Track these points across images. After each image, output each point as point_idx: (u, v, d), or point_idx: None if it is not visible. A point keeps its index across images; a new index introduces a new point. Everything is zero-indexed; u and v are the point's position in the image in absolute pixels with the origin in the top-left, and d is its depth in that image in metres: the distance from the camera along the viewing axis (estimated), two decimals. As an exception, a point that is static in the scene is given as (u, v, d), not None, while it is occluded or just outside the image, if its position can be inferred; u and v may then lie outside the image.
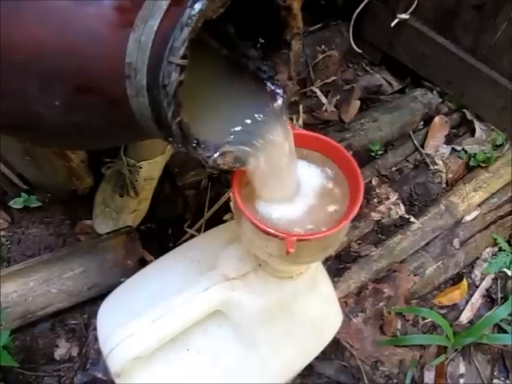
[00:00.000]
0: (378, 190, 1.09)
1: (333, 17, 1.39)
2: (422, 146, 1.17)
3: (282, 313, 0.50)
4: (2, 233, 0.92)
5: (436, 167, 1.13)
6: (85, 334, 0.87)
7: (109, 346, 0.44)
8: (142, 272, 0.57)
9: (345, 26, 1.34)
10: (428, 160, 1.14)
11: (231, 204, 0.98)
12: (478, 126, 1.19)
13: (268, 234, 0.38)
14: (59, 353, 0.85)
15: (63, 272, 0.86)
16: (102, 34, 0.29)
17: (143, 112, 0.31)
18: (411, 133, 1.19)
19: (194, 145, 0.32)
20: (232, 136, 0.36)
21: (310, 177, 0.44)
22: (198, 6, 0.27)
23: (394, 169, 1.14)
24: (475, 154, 1.13)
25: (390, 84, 1.32)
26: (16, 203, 0.91)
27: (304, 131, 0.45)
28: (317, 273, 0.54)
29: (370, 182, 1.11)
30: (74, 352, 0.86)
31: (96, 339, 0.87)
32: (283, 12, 0.34)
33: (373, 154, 1.14)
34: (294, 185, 0.42)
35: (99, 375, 0.84)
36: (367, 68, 1.35)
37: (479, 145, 1.15)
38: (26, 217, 0.94)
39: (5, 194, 0.94)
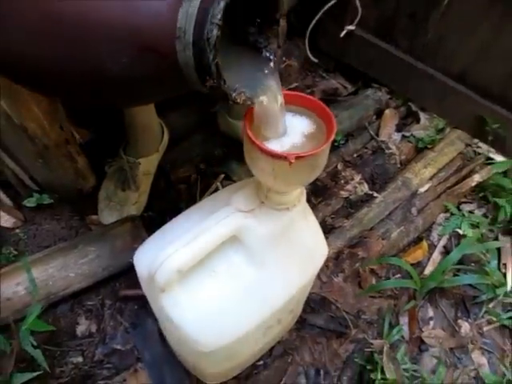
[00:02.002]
0: (343, 173, 1.26)
1: (289, 34, 1.58)
2: (377, 135, 1.36)
3: (283, 238, 0.64)
4: (18, 230, 1.01)
5: (390, 151, 1.32)
6: (101, 313, 0.97)
7: (155, 265, 0.56)
8: (166, 225, 0.69)
9: (301, 40, 1.53)
10: (383, 146, 1.33)
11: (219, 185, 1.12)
12: (422, 115, 1.39)
13: (274, 155, 0.52)
14: (80, 329, 0.95)
15: (79, 258, 0.97)
16: (160, 10, 0.44)
17: (188, 62, 0.45)
18: (367, 124, 1.38)
19: (222, 82, 0.46)
20: (244, 83, 0.51)
21: (296, 122, 0.59)
22: (229, -12, 0.42)
23: (355, 155, 1.31)
24: (422, 137, 1.33)
25: (345, 87, 1.51)
26: (30, 202, 1.02)
27: (290, 91, 0.60)
28: (306, 207, 0.69)
29: (336, 166, 1.28)
30: (93, 328, 0.95)
31: (111, 316, 0.97)
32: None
33: (336, 144, 1.32)
34: (284, 125, 0.57)
35: (118, 347, 0.94)
36: (324, 74, 1.54)
37: (425, 130, 1.35)
38: (38, 215, 1.04)
39: (16, 196, 1.05)
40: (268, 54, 0.55)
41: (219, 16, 0.42)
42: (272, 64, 0.55)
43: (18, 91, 0.77)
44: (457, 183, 1.26)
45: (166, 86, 0.51)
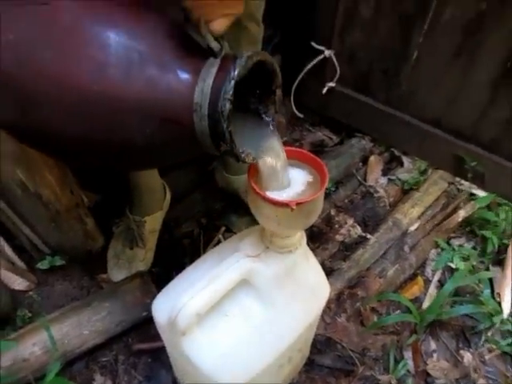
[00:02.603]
0: (337, 218, 1.34)
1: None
2: (365, 180, 1.44)
3: (288, 278, 0.70)
4: (31, 292, 1.06)
5: (379, 194, 1.40)
6: (115, 368, 1.00)
7: (175, 311, 0.62)
8: (179, 276, 0.75)
9: (287, 98, 1.65)
10: (372, 190, 1.41)
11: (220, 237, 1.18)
12: (404, 159, 1.49)
13: (278, 203, 0.59)
14: (96, 386, 0.97)
15: (92, 315, 1.01)
16: (179, 89, 0.52)
17: (203, 131, 0.53)
18: (354, 171, 1.47)
19: (234, 146, 0.54)
20: (250, 145, 0.59)
21: (296, 176, 0.67)
22: (237, 69, 0.51)
23: (346, 200, 1.39)
24: (407, 180, 1.42)
25: (331, 138, 1.62)
26: (43, 265, 1.07)
27: (291, 148, 0.69)
28: (307, 249, 0.75)
29: (330, 212, 1.35)
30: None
31: (125, 371, 1.00)
32: (271, 73, 0.59)
33: (327, 192, 1.40)
34: (287, 179, 0.64)
35: (133, 401, 0.97)
36: (310, 128, 1.64)
37: (409, 173, 1.45)
38: (50, 276, 1.09)
39: (30, 259, 1.10)
40: (268, 119, 0.64)
41: (231, 92, 0.50)
42: (272, 127, 0.64)
43: (33, 160, 0.85)
44: (444, 220, 1.34)
45: (183, 151, 0.58)
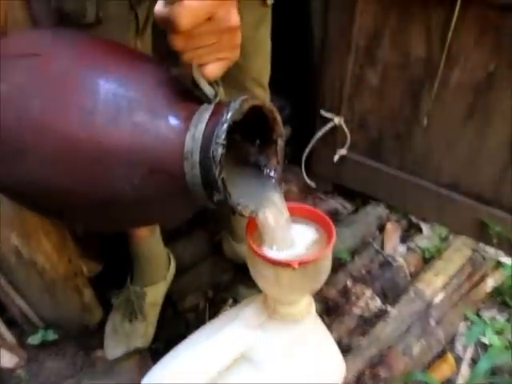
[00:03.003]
0: (354, 290, 1.24)
1: (285, 162, 1.68)
2: (383, 249, 1.36)
3: (294, 353, 0.61)
4: (20, 370, 0.97)
5: (398, 264, 1.31)
6: None
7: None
8: (175, 349, 0.67)
9: (298, 167, 1.62)
10: (390, 259, 1.33)
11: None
12: (423, 225, 1.41)
13: (277, 262, 0.53)
14: None
15: (84, 398, 0.91)
16: (169, 136, 0.48)
17: (195, 180, 0.48)
18: (371, 240, 1.40)
19: (228, 195, 0.49)
20: (249, 198, 0.54)
21: (300, 233, 0.61)
22: (230, 112, 0.47)
23: (363, 271, 1.31)
24: (427, 247, 1.34)
25: (344, 206, 1.56)
26: (34, 339, 0.99)
27: (290, 203, 0.63)
28: (317, 320, 0.67)
29: (346, 284, 1.26)
30: None
31: None
32: (271, 122, 0.55)
33: (343, 261, 1.32)
34: (289, 236, 0.58)
35: None
36: (322, 197, 1.60)
37: (429, 240, 1.36)
38: (42, 352, 1.00)
39: (21, 333, 1.02)
40: (269, 171, 0.59)
41: (223, 136, 0.46)
42: (273, 180, 0.59)
43: (29, 224, 0.81)
44: (471, 290, 1.23)
45: (174, 204, 0.53)
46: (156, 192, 0.51)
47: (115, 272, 1.09)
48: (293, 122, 1.67)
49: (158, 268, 1.09)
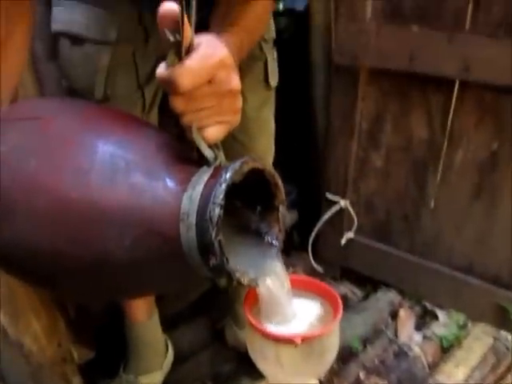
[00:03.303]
0: (367, 382, 1.14)
1: (292, 247, 1.65)
2: (397, 337, 1.28)
3: None
4: None
5: (414, 353, 1.22)
6: None
7: None
8: None
9: (304, 252, 1.58)
10: (405, 348, 1.23)
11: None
12: (439, 312, 1.33)
13: (278, 338, 0.48)
14: None
15: None
16: (166, 198, 0.47)
17: (190, 243, 0.46)
18: (383, 327, 1.31)
19: (225, 260, 0.46)
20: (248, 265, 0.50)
21: (304, 307, 0.57)
22: (229, 172, 0.45)
23: (376, 361, 1.21)
24: (445, 335, 1.25)
25: (354, 292, 1.50)
26: None
27: (294, 275, 0.60)
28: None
29: (358, 376, 1.16)
30: None
31: None
32: (273, 187, 0.54)
33: (354, 351, 1.23)
34: (291, 310, 0.54)
35: None
36: (331, 282, 1.54)
37: (446, 327, 1.28)
38: None
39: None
40: (270, 239, 0.57)
41: (221, 197, 0.44)
42: (275, 248, 0.56)
43: (19, 302, 0.77)
44: (497, 382, 1.13)
45: (168, 270, 0.50)
46: (149, 256, 0.48)
47: (108, 359, 1.02)
48: (299, 207, 1.66)
49: (155, 355, 1.01)
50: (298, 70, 1.44)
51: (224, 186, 0.45)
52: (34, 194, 0.48)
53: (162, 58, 0.80)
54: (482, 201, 1.16)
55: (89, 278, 0.52)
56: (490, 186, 1.14)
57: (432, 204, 1.26)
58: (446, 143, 1.18)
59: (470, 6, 1.06)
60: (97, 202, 0.46)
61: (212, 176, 0.48)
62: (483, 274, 1.22)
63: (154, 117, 0.87)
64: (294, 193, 1.72)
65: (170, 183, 0.48)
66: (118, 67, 0.79)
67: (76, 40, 0.77)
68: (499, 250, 1.17)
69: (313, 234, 1.51)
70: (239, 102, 0.50)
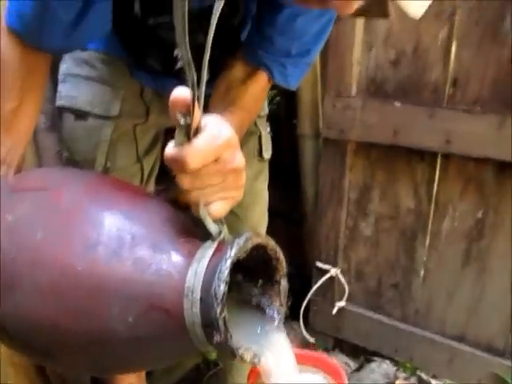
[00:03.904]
0: None
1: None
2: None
3: None
4: None
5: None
6: None
7: None
8: None
9: (295, 322, 1.55)
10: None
11: None
12: (434, 382, 1.30)
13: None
14: None
15: None
16: (170, 271, 0.47)
17: (194, 319, 0.45)
18: (380, 401, 1.27)
19: (229, 337, 0.45)
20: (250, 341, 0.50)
21: (308, 382, 0.56)
22: (234, 248, 0.46)
23: None
24: (443, 409, 1.21)
25: (347, 364, 1.46)
26: None
27: (301, 350, 0.59)
28: None
29: None
30: None
31: None
32: (274, 261, 0.55)
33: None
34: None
35: None
36: (323, 352, 1.50)
37: (443, 400, 1.25)
38: None
39: None
40: (272, 313, 0.57)
41: (226, 273, 0.45)
42: (277, 322, 0.56)
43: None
44: None
45: (169, 346, 0.49)
46: (152, 332, 0.47)
47: None
48: (289, 276, 1.65)
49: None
50: (287, 140, 1.49)
51: (229, 262, 0.46)
52: (38, 266, 0.48)
53: (159, 131, 0.82)
54: (472, 268, 1.18)
55: (88, 354, 0.50)
56: (478, 253, 1.16)
57: (422, 272, 1.27)
58: (432, 212, 1.21)
59: (448, 85, 1.14)
60: (102, 276, 0.47)
61: (216, 251, 0.49)
62: (476, 342, 1.21)
63: (151, 187, 0.89)
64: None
65: (174, 257, 0.48)
66: (119, 140, 0.81)
67: (80, 115, 0.81)
68: (491, 318, 1.17)
69: (304, 304, 1.50)
70: (243, 179, 0.52)
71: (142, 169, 0.84)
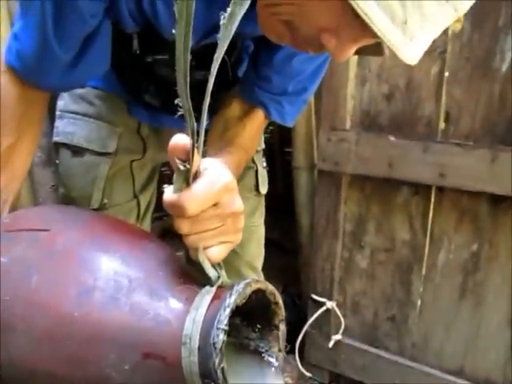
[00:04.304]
0: None
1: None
2: None
3: None
4: None
5: None
6: None
7: None
8: None
9: (291, 356, 1.53)
10: None
11: None
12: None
13: None
14: None
15: None
16: (168, 319, 0.46)
17: (192, 368, 0.44)
18: None
19: (229, 388, 0.44)
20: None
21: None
22: (233, 296, 0.46)
23: None
24: None
25: (345, 399, 1.43)
26: None
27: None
28: None
29: None
30: None
31: None
32: (273, 306, 0.54)
33: None
34: None
35: None
36: (320, 388, 1.47)
37: None
38: None
39: None
40: (270, 359, 0.56)
41: (225, 321, 0.44)
42: (275, 368, 0.55)
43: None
44: None
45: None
46: (147, 379, 0.46)
47: None
48: (285, 308, 1.63)
49: None
50: (281, 170, 1.50)
51: (228, 310, 0.45)
52: (34, 310, 0.47)
53: (156, 166, 0.80)
54: (468, 301, 1.17)
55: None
56: (475, 286, 1.16)
57: (419, 304, 1.26)
58: (427, 244, 1.21)
59: (441, 119, 1.15)
60: (98, 323, 0.46)
61: (215, 297, 0.48)
62: (474, 376, 1.19)
63: (147, 223, 0.88)
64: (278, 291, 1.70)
65: (172, 303, 0.47)
66: (116, 177, 0.81)
67: (77, 151, 0.80)
68: (489, 351, 1.16)
69: (300, 337, 1.48)
70: (241, 222, 0.51)
71: (138, 204, 0.84)
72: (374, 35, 0.44)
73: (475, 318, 1.18)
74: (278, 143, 1.89)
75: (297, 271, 1.59)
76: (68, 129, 0.82)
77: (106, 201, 0.80)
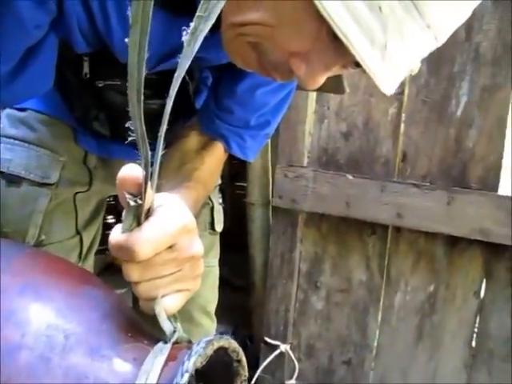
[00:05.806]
0: None
1: None
2: None
3: None
4: None
5: None
6: None
7: None
8: None
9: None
10: None
11: None
12: None
13: None
14: None
15: None
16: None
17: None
18: None
19: None
20: None
21: None
22: (193, 358, 0.39)
23: None
24: None
25: None
26: None
27: None
28: None
29: None
30: None
31: None
32: (235, 363, 0.48)
33: None
34: None
35: None
36: None
37: None
38: None
39: None
40: None
41: None
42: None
43: None
44: None
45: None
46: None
47: None
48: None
49: None
50: (232, 206, 1.45)
51: (186, 376, 0.38)
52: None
53: (102, 199, 0.73)
54: (425, 344, 1.15)
55: None
56: (431, 329, 1.14)
57: (375, 348, 1.22)
58: (384, 286, 1.19)
59: (398, 159, 1.16)
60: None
61: (170, 358, 0.41)
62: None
63: (89, 263, 0.79)
64: (228, 334, 1.62)
65: (117, 365, 0.40)
66: (57, 211, 0.73)
67: (13, 180, 0.71)
68: None
69: (252, 382, 1.40)
70: (201, 268, 0.45)
71: (81, 242, 0.75)
72: (350, 60, 0.41)
73: (432, 362, 1.15)
74: (228, 176, 1.85)
75: (248, 311, 1.52)
76: (4, 155, 0.73)
77: (43, 237, 0.70)
